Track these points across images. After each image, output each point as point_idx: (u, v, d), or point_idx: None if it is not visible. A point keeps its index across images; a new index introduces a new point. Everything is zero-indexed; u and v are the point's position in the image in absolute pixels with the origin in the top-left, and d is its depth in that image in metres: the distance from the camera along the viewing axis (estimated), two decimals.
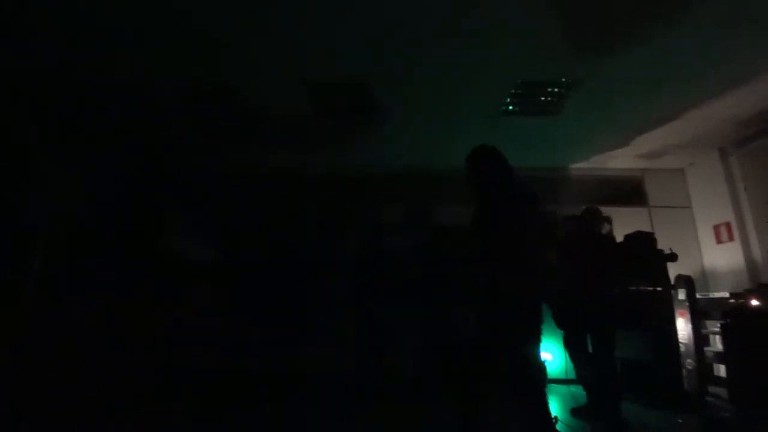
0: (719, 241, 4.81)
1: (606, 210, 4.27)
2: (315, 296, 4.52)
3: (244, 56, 3.18)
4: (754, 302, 3.46)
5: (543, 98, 3.66)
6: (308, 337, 4.30)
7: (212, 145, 4.77)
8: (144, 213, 3.89)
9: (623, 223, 4.85)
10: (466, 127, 4.20)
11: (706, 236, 5.01)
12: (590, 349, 3.35)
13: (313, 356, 4.16)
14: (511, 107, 3.81)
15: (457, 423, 2.13)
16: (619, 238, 4.21)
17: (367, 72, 3.35)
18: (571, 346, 3.42)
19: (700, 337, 3.62)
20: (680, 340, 3.69)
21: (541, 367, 2.20)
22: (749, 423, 2.80)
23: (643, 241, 4.09)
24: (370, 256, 4.65)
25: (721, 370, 3.45)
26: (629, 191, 5.35)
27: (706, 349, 3.60)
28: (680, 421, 3.30)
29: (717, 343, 3.55)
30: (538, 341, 2.12)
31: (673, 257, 4.00)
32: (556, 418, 3.08)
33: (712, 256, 4.91)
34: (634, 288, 3.84)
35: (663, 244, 4.14)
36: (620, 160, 5.15)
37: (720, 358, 3.45)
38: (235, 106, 3.90)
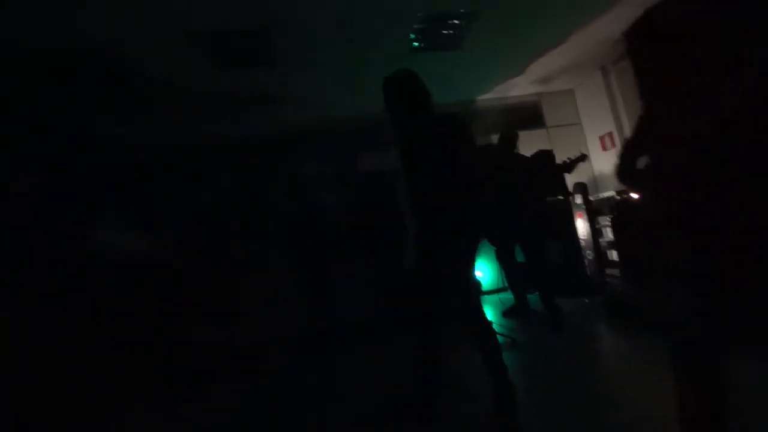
0: (604, 148, 5.55)
1: None
2: (256, 262, 4.46)
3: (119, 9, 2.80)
4: (633, 195, 4.12)
5: (445, 32, 3.75)
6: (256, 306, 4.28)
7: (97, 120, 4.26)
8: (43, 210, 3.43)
9: (527, 145, 5.34)
10: (379, 69, 4.17)
11: (594, 146, 5.73)
12: (520, 259, 3.80)
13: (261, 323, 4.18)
14: (416, 44, 3.87)
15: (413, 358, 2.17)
16: None
17: (267, 20, 3.16)
18: (502, 258, 3.85)
19: (595, 232, 4.29)
20: (580, 237, 4.35)
21: (476, 286, 2.33)
22: (637, 292, 3.45)
23: (545, 158, 4.59)
24: (304, 213, 4.64)
25: (614, 255, 4.15)
26: (530, 115, 5.84)
27: (600, 240, 4.29)
28: (587, 301, 3.97)
29: (609, 234, 4.23)
30: (473, 266, 2.20)
31: (583, 158, 4.47)
32: (490, 322, 3.54)
33: (600, 162, 5.67)
34: (543, 200, 4.37)
35: (561, 159, 4.68)
36: (520, 88, 5.54)
37: (612, 245, 4.14)
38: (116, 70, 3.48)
